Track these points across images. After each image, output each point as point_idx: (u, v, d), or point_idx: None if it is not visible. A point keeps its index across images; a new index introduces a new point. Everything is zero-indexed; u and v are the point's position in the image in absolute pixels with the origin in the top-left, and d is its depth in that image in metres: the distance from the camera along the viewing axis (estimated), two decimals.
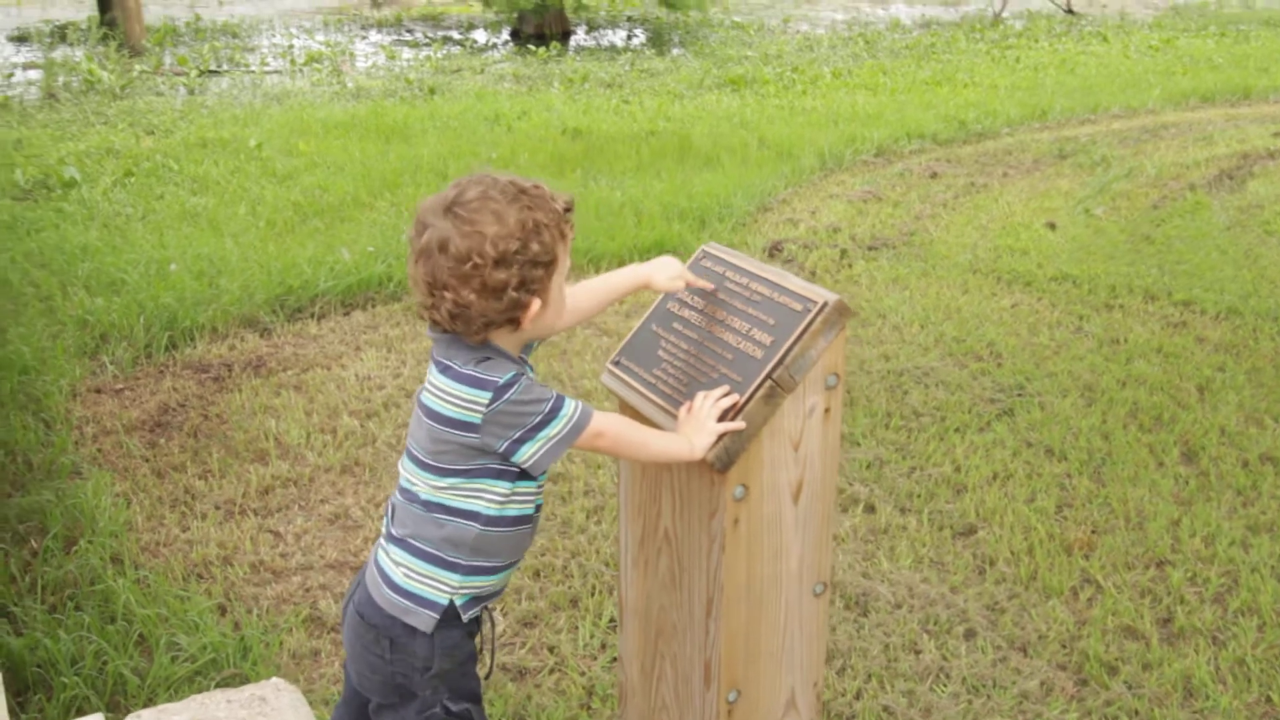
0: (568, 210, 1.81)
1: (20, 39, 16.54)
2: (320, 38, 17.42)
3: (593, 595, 3.22)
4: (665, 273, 2.10)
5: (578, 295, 2.12)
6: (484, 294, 1.72)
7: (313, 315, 5.42)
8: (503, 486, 1.83)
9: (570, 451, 3.62)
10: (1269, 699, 2.84)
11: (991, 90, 12.11)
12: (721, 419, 1.89)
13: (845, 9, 23.26)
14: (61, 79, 12.26)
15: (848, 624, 3.10)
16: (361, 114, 10.27)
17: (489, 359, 1.78)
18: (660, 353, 2.11)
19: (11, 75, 12.79)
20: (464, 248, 1.71)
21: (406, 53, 15.83)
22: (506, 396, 1.74)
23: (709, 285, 2.10)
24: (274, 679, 2.48)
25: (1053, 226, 7.00)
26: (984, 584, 3.30)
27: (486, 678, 2.02)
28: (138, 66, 13.48)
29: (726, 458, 1.88)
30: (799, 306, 1.92)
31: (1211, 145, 9.43)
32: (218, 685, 2.74)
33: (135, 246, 6.10)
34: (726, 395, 1.91)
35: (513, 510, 1.87)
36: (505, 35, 17.99)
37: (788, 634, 2.08)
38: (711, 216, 6.99)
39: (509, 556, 1.92)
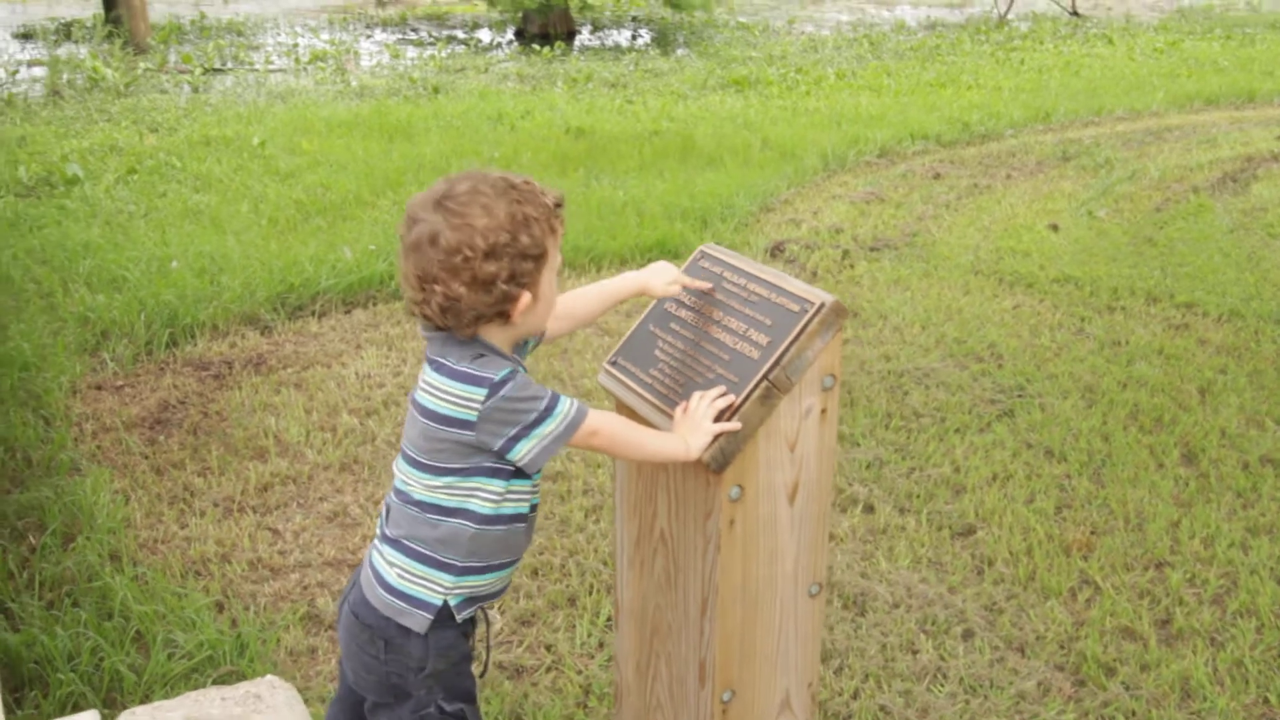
0: (558, 206, 1.82)
1: (25, 36, 16.57)
2: (325, 36, 17.44)
3: (590, 594, 3.22)
4: (661, 278, 2.11)
5: (573, 301, 2.12)
6: (474, 287, 1.73)
7: (314, 313, 5.42)
8: (497, 485, 1.83)
9: (569, 450, 3.62)
10: (1267, 700, 2.84)
11: (995, 92, 12.10)
12: (717, 419, 1.89)
13: (850, 10, 23.25)
14: (66, 76, 12.28)
15: (845, 624, 3.10)
16: (365, 113, 10.27)
17: (483, 355, 1.78)
18: (657, 353, 2.11)
19: (16, 72, 12.81)
20: (454, 240, 1.71)
21: (411, 51, 15.84)
22: (502, 393, 1.74)
23: (706, 285, 2.10)
24: (269, 676, 2.48)
25: (1055, 228, 6.99)
26: (982, 584, 3.29)
27: (481, 676, 2.02)
28: (142, 64, 13.50)
29: (722, 458, 1.88)
30: (796, 307, 1.92)
31: (1215, 148, 9.41)
32: (214, 683, 2.74)
33: (137, 244, 6.11)
34: (723, 396, 1.91)
35: (508, 509, 1.86)
36: (510, 35, 18.00)
37: (783, 635, 2.08)
38: (714, 216, 6.99)
39: (504, 556, 1.92)
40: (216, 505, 3.70)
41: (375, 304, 5.56)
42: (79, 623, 2.93)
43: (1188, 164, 8.76)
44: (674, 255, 6.04)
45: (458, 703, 1.94)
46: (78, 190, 7.33)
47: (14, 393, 4.31)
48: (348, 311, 5.48)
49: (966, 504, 3.71)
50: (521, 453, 1.78)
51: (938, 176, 8.40)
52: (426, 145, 8.87)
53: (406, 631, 1.87)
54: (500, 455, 1.79)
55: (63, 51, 14.14)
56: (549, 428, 1.78)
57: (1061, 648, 3.03)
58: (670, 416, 1.97)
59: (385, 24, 19.46)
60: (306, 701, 2.62)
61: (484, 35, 18.03)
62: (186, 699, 2.37)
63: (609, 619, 3.10)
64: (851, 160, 8.82)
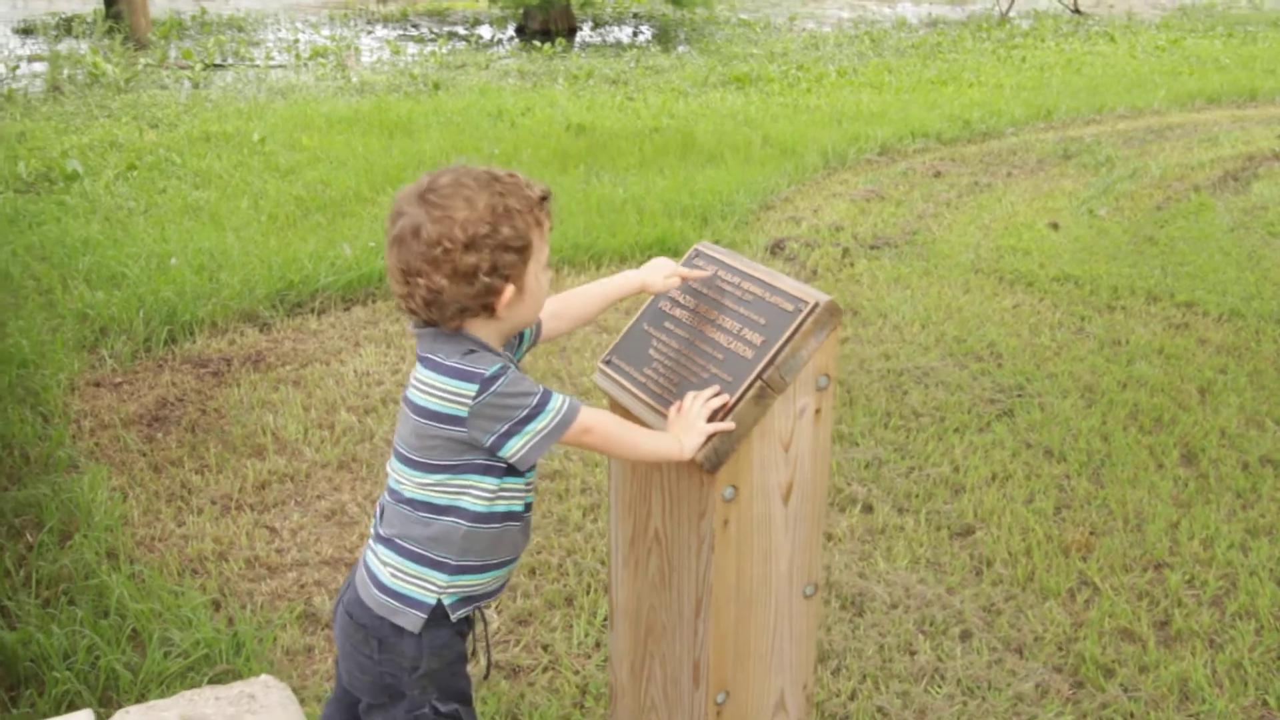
0: (544, 199, 1.81)
1: (26, 31, 16.57)
2: (325, 32, 17.43)
3: (588, 593, 3.21)
4: (660, 274, 2.11)
5: (572, 300, 2.13)
6: (455, 279, 1.73)
7: (313, 310, 5.41)
8: (490, 482, 1.82)
9: (567, 449, 3.60)
10: (1265, 702, 2.83)
11: (997, 90, 12.08)
12: (711, 419, 1.88)
13: (851, 7, 23.22)
14: (66, 72, 12.27)
15: (843, 624, 3.09)
16: (365, 109, 10.27)
17: (474, 351, 1.77)
18: (651, 352, 2.10)
19: (16, 68, 12.79)
20: (434, 232, 1.72)
21: (411, 48, 15.83)
22: (493, 389, 1.73)
23: (705, 273, 2.10)
24: (263, 676, 2.48)
25: (1056, 227, 6.98)
26: (981, 585, 3.28)
27: (485, 677, 2.01)
28: (142, 60, 13.49)
29: (716, 458, 1.87)
30: (790, 307, 1.91)
31: (1216, 146, 9.40)
32: (209, 682, 2.73)
33: (136, 240, 6.10)
34: (717, 395, 1.90)
35: (501, 507, 1.86)
36: (510, 31, 17.99)
37: (777, 635, 2.07)
38: (714, 214, 6.98)
39: (499, 555, 1.91)
40: (214, 503, 3.69)
41: (374, 301, 5.55)
42: (75, 621, 2.93)
43: (1189, 162, 8.75)
44: (674, 253, 6.02)
45: (452, 703, 1.93)
46: (77, 186, 7.33)
47: (12, 389, 4.31)
48: (347, 309, 5.48)
49: (965, 504, 3.70)
50: (512, 449, 1.77)
51: (938, 174, 8.38)
52: (427, 142, 8.87)
53: (400, 631, 1.86)
54: (491, 452, 1.78)
55: (63, 47, 14.14)
56: (540, 424, 1.77)
57: (1060, 649, 3.02)
58: (664, 416, 1.96)
59: (386, 20, 19.45)
60: (303, 701, 2.61)
61: (485, 31, 18.02)
62: (181, 698, 2.36)
63: (606, 619, 3.09)
64: (852, 158, 8.80)
